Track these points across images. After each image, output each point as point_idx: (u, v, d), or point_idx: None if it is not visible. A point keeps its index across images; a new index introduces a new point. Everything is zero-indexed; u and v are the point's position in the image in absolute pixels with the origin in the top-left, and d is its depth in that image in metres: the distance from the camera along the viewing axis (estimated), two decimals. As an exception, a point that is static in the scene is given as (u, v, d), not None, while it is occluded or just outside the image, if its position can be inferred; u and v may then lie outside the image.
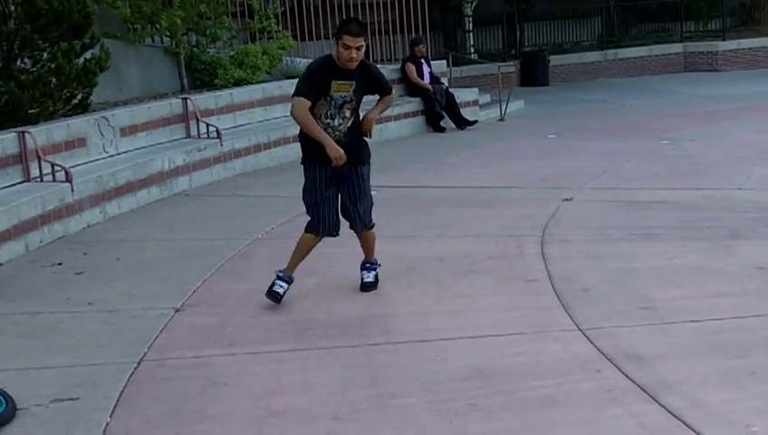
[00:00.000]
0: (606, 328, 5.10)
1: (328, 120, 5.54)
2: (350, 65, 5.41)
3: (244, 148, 10.42)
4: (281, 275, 5.66)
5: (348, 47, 5.34)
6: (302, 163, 5.78)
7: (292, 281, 5.67)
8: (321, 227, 5.67)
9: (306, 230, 5.73)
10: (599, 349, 4.80)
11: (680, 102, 16.47)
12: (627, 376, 4.44)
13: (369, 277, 5.89)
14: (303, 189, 5.75)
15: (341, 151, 5.49)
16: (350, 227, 5.82)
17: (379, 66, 11.20)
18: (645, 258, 6.47)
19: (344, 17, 15.22)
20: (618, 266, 6.30)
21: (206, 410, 4.24)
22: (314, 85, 5.43)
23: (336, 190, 5.68)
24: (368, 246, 5.89)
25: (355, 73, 5.49)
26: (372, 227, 5.84)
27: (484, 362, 4.71)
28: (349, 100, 5.55)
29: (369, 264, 5.91)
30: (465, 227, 7.60)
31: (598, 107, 16.24)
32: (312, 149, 5.61)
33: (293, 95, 5.47)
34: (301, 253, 5.74)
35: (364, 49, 5.40)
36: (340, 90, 5.49)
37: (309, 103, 5.41)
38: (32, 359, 4.88)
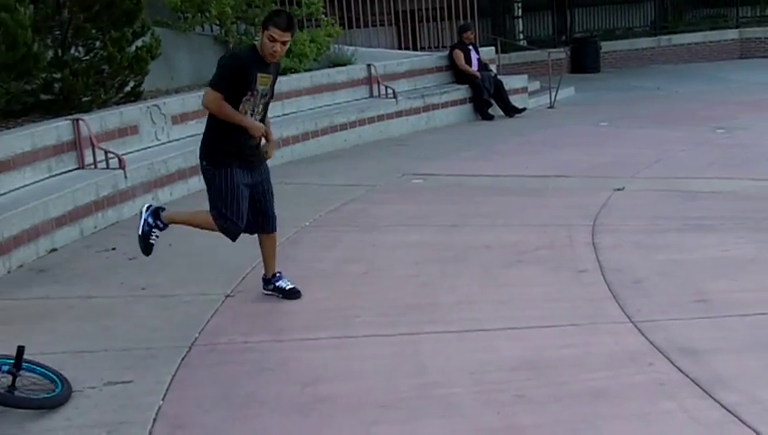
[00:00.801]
0: (658, 320, 5.04)
1: (253, 117, 5.26)
2: (271, 59, 5.15)
3: (292, 136, 10.44)
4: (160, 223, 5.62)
5: (273, 39, 5.04)
6: (210, 168, 5.40)
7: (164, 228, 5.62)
8: (240, 225, 5.38)
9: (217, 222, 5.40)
10: (651, 342, 4.74)
11: (735, 90, 16.18)
12: (680, 370, 4.38)
13: (288, 283, 5.61)
14: (217, 198, 5.36)
15: (263, 127, 5.29)
16: (255, 231, 5.58)
17: (425, 54, 11.15)
18: (698, 249, 6.38)
19: (393, 3, 15.26)
20: (671, 258, 6.22)
21: (255, 394, 4.27)
22: (238, 78, 5.11)
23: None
24: (273, 250, 5.62)
25: (272, 67, 5.26)
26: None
27: (533, 353, 4.68)
28: (265, 94, 5.28)
29: (278, 273, 5.65)
30: (513, 215, 7.56)
31: (650, 94, 16.02)
32: (231, 149, 5.28)
33: (210, 86, 5.17)
34: (194, 223, 5.66)
35: (288, 46, 5.16)
36: (262, 82, 5.21)
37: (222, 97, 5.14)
38: (86, 342, 4.96)
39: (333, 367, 4.60)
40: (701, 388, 4.17)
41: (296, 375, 4.48)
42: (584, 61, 20.19)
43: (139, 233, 5.58)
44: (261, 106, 5.28)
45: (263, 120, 5.33)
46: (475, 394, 4.22)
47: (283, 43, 5.08)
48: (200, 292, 5.76)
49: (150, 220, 5.58)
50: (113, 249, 6.81)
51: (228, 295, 5.69)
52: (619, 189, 8.32)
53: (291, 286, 5.59)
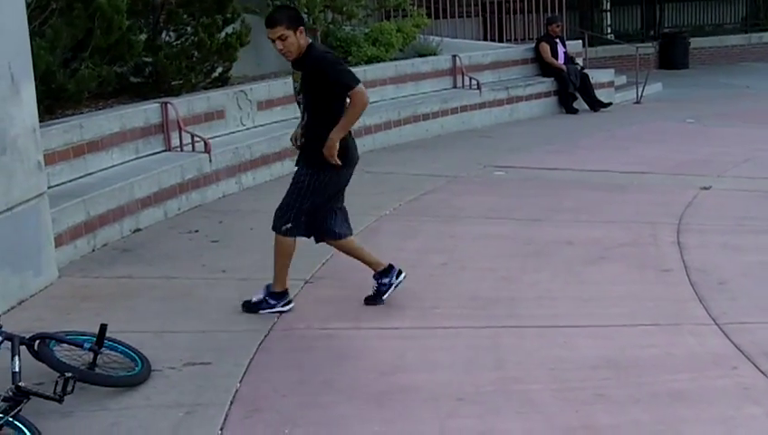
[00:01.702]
0: (744, 323, 4.92)
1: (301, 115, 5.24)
2: (285, 58, 5.06)
3: (374, 124, 10.44)
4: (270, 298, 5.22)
5: (270, 39, 4.97)
6: (322, 167, 5.12)
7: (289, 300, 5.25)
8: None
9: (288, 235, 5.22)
10: (736, 345, 4.63)
11: (829, 90, 15.69)
12: (765, 375, 4.27)
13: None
14: (307, 201, 5.19)
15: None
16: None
17: (511, 45, 10.95)
18: (788, 252, 6.21)
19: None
20: (758, 259, 6.06)
21: (332, 381, 4.29)
22: None
23: None
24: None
25: (302, 64, 5.04)
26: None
27: (614, 352, 4.61)
28: (296, 90, 5.17)
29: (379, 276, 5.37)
30: (597, 211, 7.45)
31: (740, 92, 15.62)
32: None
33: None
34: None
35: (290, 39, 4.90)
36: (295, 79, 5.16)
37: None
38: (167, 322, 5.03)
39: (411, 357, 4.59)
40: (788, 395, 4.06)
41: (373, 364, 4.49)
42: (673, 56, 19.79)
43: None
44: (301, 104, 5.18)
45: (308, 126, 5.14)
46: (553, 391, 4.16)
47: (279, 38, 4.89)
48: (280, 277, 5.80)
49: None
50: (196, 231, 6.90)
51: (307, 281, 5.72)
52: (705, 188, 8.13)
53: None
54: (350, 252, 5.36)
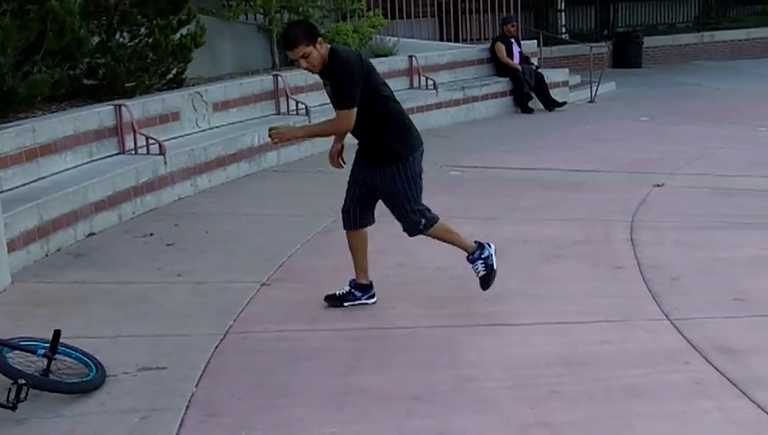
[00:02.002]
0: (696, 319, 4.99)
1: None
2: (311, 73, 5.05)
3: (332, 125, 10.44)
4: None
5: (293, 59, 4.98)
6: (397, 157, 5.23)
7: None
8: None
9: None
10: (688, 340, 4.69)
11: (779, 88, 15.96)
12: (717, 369, 4.33)
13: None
14: (414, 189, 5.22)
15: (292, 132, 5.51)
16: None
17: (467, 46, 10.90)
18: (738, 248, 6.31)
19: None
20: (710, 256, 6.16)
21: (289, 384, 4.28)
22: None
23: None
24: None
25: (328, 73, 4.98)
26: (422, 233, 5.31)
27: (569, 348, 4.65)
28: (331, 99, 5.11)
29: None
30: (552, 210, 7.51)
31: (692, 91, 15.83)
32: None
33: (345, 105, 4.95)
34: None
35: (312, 54, 4.83)
36: (326, 88, 5.12)
37: None
38: (122, 327, 4.99)
39: (368, 358, 4.60)
40: (738, 388, 4.13)
41: (330, 365, 4.49)
42: (626, 56, 20.01)
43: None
44: None
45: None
46: (509, 389, 4.20)
47: (302, 57, 4.84)
48: (236, 279, 5.79)
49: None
50: (151, 235, 6.86)
51: (264, 284, 5.70)
52: (658, 186, 8.24)
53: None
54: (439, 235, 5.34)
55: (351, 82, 4.88)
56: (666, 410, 3.96)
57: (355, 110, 4.89)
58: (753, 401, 3.99)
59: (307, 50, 4.81)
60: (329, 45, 4.99)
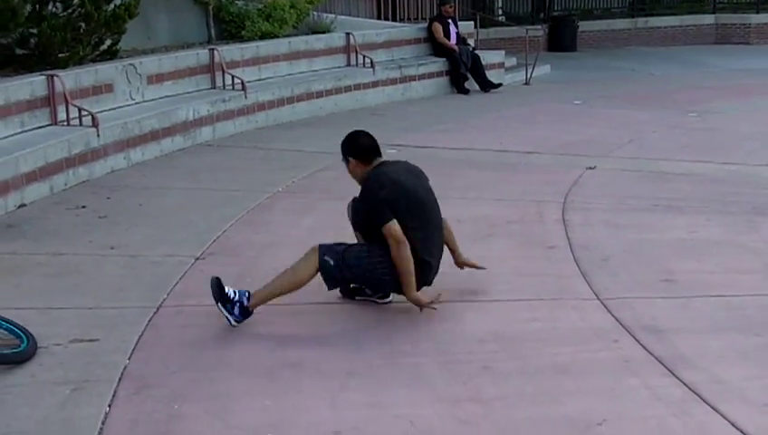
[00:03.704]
0: (625, 298, 5.10)
1: None
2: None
3: (267, 101, 10.40)
4: None
5: None
6: None
7: None
8: None
9: None
10: (617, 319, 4.80)
11: (709, 75, 16.27)
12: (644, 348, 4.44)
13: None
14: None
15: None
16: None
17: (404, 25, 10.84)
18: (667, 230, 6.45)
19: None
20: (639, 237, 6.28)
21: (222, 357, 4.29)
22: None
23: None
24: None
25: None
26: None
27: (500, 326, 4.73)
28: None
29: None
30: (486, 190, 7.59)
31: (625, 75, 16.07)
32: None
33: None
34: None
35: (350, 167, 4.96)
36: None
37: None
38: (53, 299, 4.93)
39: (302, 333, 4.62)
40: (664, 366, 4.24)
41: (264, 339, 4.50)
42: (561, 39, 20.19)
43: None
44: None
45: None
46: (441, 364, 4.25)
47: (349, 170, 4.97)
48: (169, 253, 5.75)
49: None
50: (83, 207, 6.76)
51: (198, 258, 5.67)
52: (590, 168, 8.37)
53: None
54: None
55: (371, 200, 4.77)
56: (594, 387, 4.05)
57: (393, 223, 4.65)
58: (679, 379, 4.10)
59: (348, 162, 4.96)
60: (372, 166, 4.89)
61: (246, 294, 4.67)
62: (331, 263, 4.72)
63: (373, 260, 4.73)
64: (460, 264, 5.25)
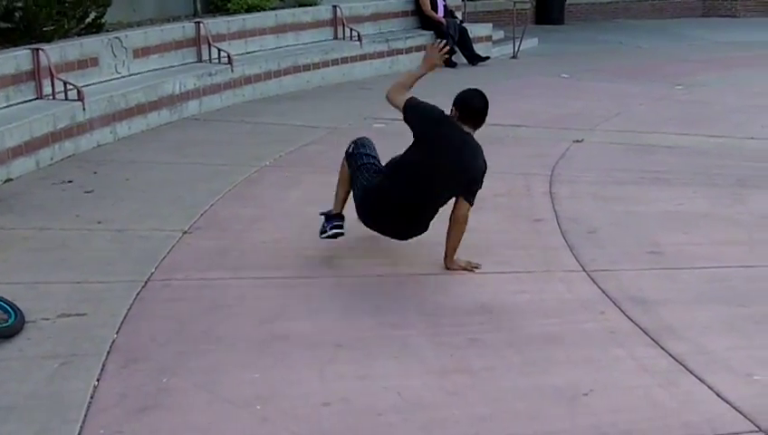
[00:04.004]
0: (611, 270, 5.13)
1: None
2: None
3: (254, 74, 10.35)
4: None
5: None
6: None
7: None
8: None
9: None
10: (603, 291, 4.83)
11: (696, 48, 16.29)
12: (630, 319, 4.47)
13: None
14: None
15: None
16: None
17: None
18: (653, 202, 6.48)
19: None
20: (626, 209, 6.31)
21: (211, 330, 4.29)
22: None
23: None
24: None
25: None
26: None
27: (488, 298, 4.75)
28: None
29: None
30: (474, 163, 7.57)
31: (613, 48, 16.06)
32: None
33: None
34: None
35: (452, 113, 5.36)
36: None
37: None
38: (40, 273, 4.92)
39: (291, 306, 4.62)
40: (650, 337, 4.27)
41: (253, 313, 4.51)
42: (549, 12, 20.13)
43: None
44: None
45: None
46: (429, 336, 4.27)
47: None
48: (157, 227, 5.74)
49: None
50: (70, 182, 6.74)
51: (185, 232, 5.67)
52: (577, 141, 8.38)
53: None
54: None
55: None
56: (581, 358, 4.08)
57: None
58: (665, 350, 4.14)
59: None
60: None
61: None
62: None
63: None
64: (448, 267, 5.15)
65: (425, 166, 5.00)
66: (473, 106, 5.27)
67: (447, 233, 5.06)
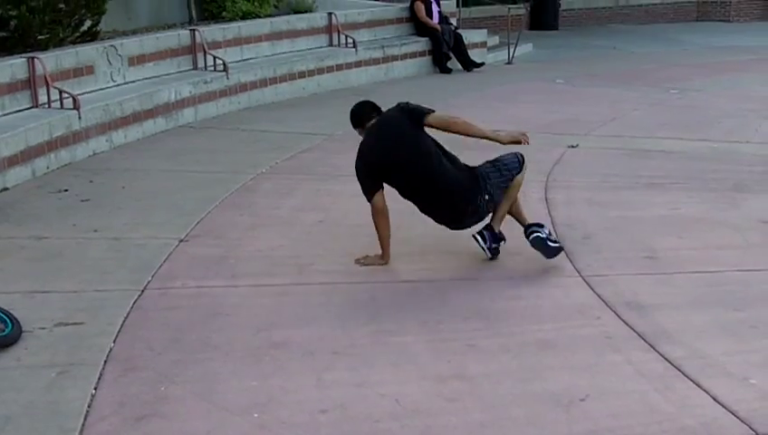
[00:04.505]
0: (607, 275, 5.14)
1: None
2: None
3: (249, 82, 10.37)
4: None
5: None
6: None
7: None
8: None
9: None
10: (599, 296, 4.84)
11: (690, 52, 16.34)
12: (626, 324, 4.48)
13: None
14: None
15: None
16: None
17: (387, 4, 10.80)
18: (648, 207, 6.49)
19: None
20: (621, 215, 6.32)
21: (208, 339, 4.29)
22: None
23: None
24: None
25: None
26: None
27: (485, 304, 4.76)
28: None
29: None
30: (470, 169, 7.58)
31: (607, 54, 16.11)
32: None
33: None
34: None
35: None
36: None
37: None
38: (37, 283, 4.92)
39: (287, 313, 4.63)
40: (646, 342, 4.28)
41: (250, 321, 4.51)
42: (543, 18, 20.20)
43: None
44: None
45: None
46: (426, 343, 4.28)
47: None
48: (153, 235, 5.74)
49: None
50: (65, 190, 6.74)
51: (182, 240, 5.67)
52: (572, 146, 8.40)
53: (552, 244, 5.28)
54: None
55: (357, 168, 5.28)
56: (577, 363, 4.09)
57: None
58: (661, 354, 4.14)
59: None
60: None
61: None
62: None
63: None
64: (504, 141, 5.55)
65: (406, 176, 5.20)
66: (351, 114, 5.48)
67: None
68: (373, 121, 5.31)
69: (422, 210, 5.35)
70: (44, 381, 3.83)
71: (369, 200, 5.19)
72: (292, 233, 5.81)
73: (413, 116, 5.20)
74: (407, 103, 5.31)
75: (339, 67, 11.81)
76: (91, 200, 6.51)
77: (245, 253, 5.49)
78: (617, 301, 4.76)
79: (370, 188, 5.18)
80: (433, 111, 5.22)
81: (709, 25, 21.21)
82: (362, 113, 5.38)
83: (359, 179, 5.22)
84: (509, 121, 9.57)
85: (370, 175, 5.19)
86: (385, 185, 5.23)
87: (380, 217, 5.22)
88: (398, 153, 5.14)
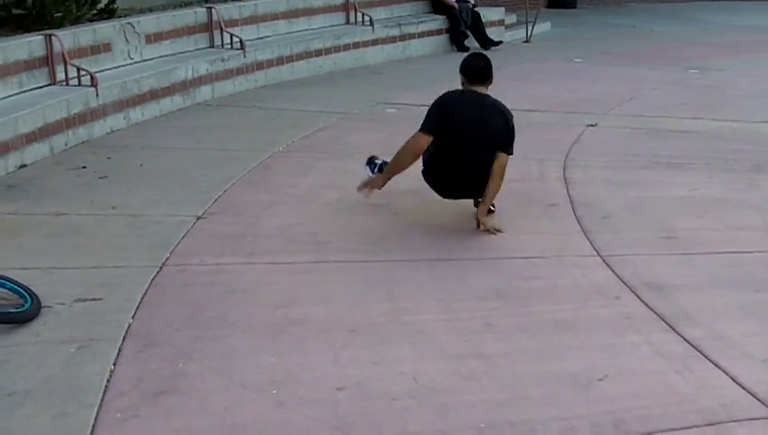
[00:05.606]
0: (626, 256, 5.11)
1: None
2: None
3: (266, 60, 10.34)
4: None
5: None
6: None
7: None
8: None
9: None
10: (618, 276, 4.82)
11: (710, 31, 16.20)
12: (646, 304, 4.46)
13: None
14: None
15: None
16: None
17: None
18: (668, 187, 6.45)
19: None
20: (640, 194, 6.29)
21: (225, 315, 4.30)
22: None
23: None
24: None
25: None
26: None
27: (502, 283, 4.74)
28: None
29: None
30: (488, 148, 7.55)
31: (626, 32, 15.99)
32: None
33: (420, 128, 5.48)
34: None
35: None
36: None
37: None
38: (56, 259, 4.94)
39: (305, 291, 4.62)
40: (666, 322, 4.26)
41: (267, 298, 4.51)
42: (562, -4, 20.06)
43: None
44: None
45: None
46: (443, 321, 4.27)
47: None
48: (171, 213, 5.75)
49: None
50: (84, 167, 6.75)
51: (200, 217, 5.67)
52: (591, 125, 8.35)
53: None
54: None
55: (433, 106, 5.56)
56: (596, 343, 4.07)
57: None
58: (681, 335, 4.13)
59: None
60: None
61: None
62: None
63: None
64: (478, 222, 5.53)
65: (464, 141, 5.37)
66: (474, 66, 5.74)
67: (487, 185, 5.38)
68: (484, 91, 5.64)
69: (440, 171, 5.51)
70: (63, 356, 3.85)
71: (417, 133, 5.35)
72: (309, 211, 5.80)
73: (508, 132, 5.47)
74: (513, 121, 5.57)
75: (355, 45, 11.77)
76: (108, 177, 6.52)
77: (263, 230, 5.49)
78: (636, 281, 4.74)
79: (429, 127, 5.36)
80: (510, 155, 5.44)
81: (729, 4, 21.00)
82: (488, 75, 5.75)
83: (428, 112, 5.44)
84: (527, 99, 9.54)
85: (439, 121, 5.37)
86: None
87: (409, 154, 5.39)
88: (474, 131, 5.35)
